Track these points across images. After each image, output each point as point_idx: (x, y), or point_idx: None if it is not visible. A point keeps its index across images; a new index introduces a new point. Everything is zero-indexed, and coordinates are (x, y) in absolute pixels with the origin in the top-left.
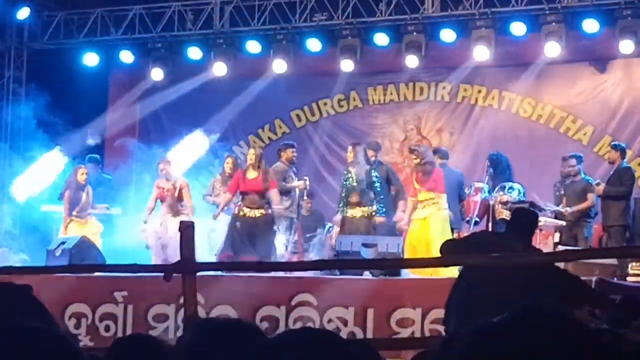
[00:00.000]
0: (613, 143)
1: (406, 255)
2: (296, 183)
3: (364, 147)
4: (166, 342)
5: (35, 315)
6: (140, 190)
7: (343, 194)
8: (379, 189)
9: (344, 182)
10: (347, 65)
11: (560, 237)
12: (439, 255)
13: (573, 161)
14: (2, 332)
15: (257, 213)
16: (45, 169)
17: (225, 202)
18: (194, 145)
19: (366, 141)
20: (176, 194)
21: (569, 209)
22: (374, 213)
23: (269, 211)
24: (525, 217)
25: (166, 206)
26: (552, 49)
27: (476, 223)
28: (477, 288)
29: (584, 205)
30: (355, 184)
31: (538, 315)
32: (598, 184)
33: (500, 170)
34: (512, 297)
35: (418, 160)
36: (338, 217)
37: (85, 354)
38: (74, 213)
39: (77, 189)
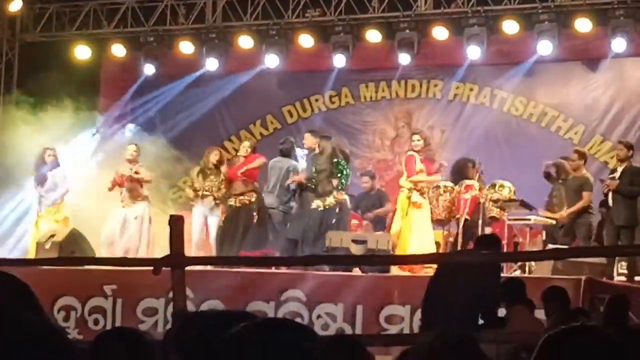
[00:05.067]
0: (625, 140)
1: (400, 244)
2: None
3: (332, 141)
4: (151, 335)
5: (25, 305)
6: None
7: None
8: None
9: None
10: (339, 61)
11: (547, 235)
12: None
13: (575, 156)
14: None
15: (242, 201)
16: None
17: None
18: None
19: (358, 138)
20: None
21: (563, 213)
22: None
23: (253, 199)
24: (487, 241)
25: (126, 192)
26: (545, 47)
27: (466, 221)
28: (443, 284)
29: (578, 205)
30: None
31: None
32: (613, 178)
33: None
34: (460, 292)
35: (422, 142)
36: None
37: (76, 346)
38: (42, 193)
39: (42, 169)
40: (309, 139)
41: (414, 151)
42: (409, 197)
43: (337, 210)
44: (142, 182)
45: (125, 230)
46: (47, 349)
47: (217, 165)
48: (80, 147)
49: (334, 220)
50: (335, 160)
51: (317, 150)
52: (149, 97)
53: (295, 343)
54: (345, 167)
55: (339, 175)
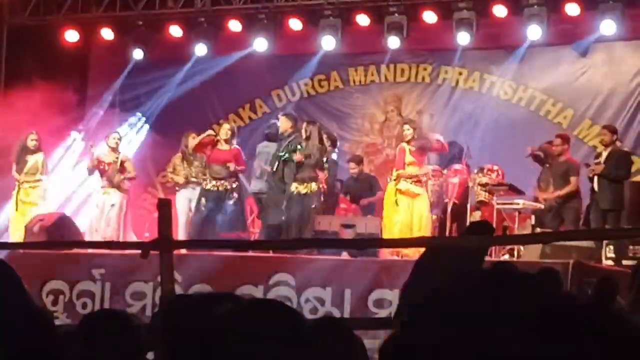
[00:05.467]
0: (609, 125)
1: (387, 232)
2: None
3: (318, 125)
4: (137, 316)
5: (8, 287)
6: None
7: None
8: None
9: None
10: (328, 45)
11: (537, 220)
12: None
13: (558, 141)
14: None
15: (222, 185)
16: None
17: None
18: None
19: (347, 122)
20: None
21: (547, 196)
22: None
23: (234, 185)
24: (478, 228)
25: (106, 179)
26: (534, 31)
27: (454, 205)
28: (425, 267)
29: (566, 190)
30: (305, 159)
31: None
32: (598, 163)
33: None
34: (441, 276)
35: (412, 132)
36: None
37: (60, 330)
38: (22, 177)
39: (24, 153)
40: (284, 123)
41: (405, 142)
42: (396, 187)
43: (320, 197)
44: (124, 173)
45: (103, 217)
46: (30, 330)
47: (199, 150)
48: (66, 131)
49: (314, 205)
50: (322, 147)
51: (303, 135)
52: (138, 81)
53: (282, 323)
54: (332, 154)
55: (326, 165)
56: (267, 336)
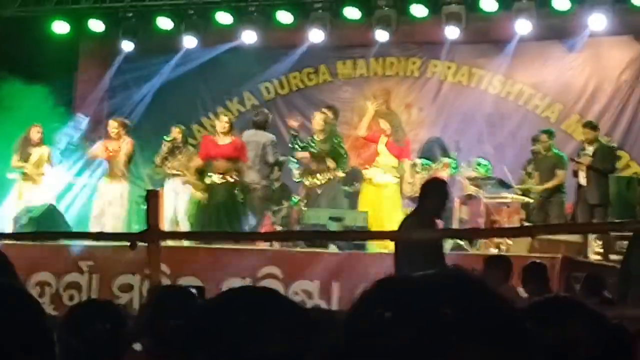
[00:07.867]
0: (589, 122)
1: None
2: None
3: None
4: (123, 307)
5: (4, 273)
6: None
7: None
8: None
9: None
10: (317, 38)
11: (527, 215)
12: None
13: (544, 137)
14: None
15: (226, 180)
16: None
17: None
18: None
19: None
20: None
21: (537, 187)
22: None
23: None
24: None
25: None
26: (523, 26)
27: None
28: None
29: (553, 182)
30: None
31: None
32: (586, 154)
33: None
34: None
35: (389, 127)
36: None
37: (46, 313)
38: (26, 170)
39: (27, 146)
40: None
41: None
42: (366, 177)
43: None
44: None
45: (110, 207)
46: (20, 312)
47: (184, 143)
48: (58, 125)
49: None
50: (336, 140)
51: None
52: (127, 74)
53: (271, 306)
54: (343, 147)
55: (338, 157)
56: (260, 322)
